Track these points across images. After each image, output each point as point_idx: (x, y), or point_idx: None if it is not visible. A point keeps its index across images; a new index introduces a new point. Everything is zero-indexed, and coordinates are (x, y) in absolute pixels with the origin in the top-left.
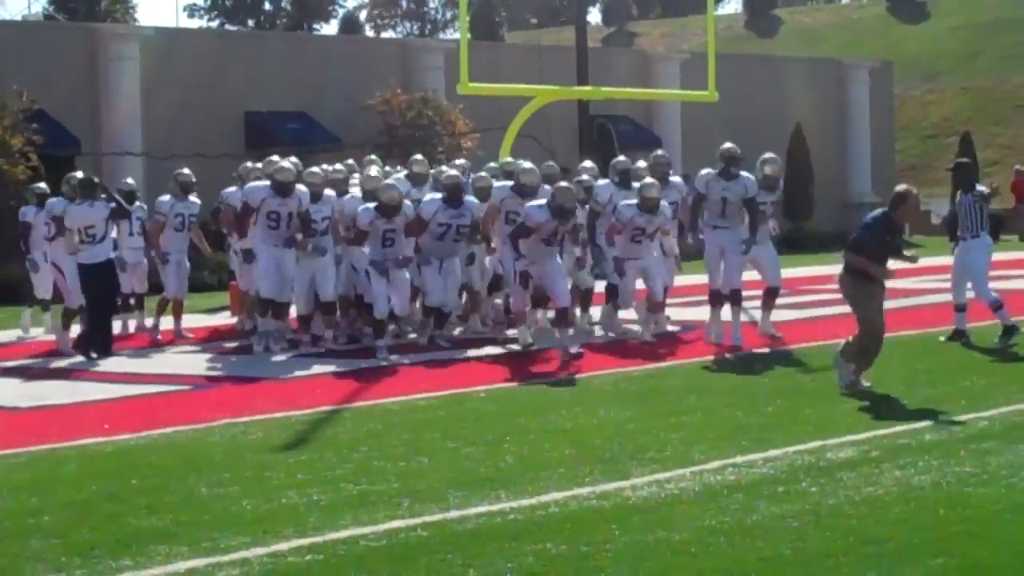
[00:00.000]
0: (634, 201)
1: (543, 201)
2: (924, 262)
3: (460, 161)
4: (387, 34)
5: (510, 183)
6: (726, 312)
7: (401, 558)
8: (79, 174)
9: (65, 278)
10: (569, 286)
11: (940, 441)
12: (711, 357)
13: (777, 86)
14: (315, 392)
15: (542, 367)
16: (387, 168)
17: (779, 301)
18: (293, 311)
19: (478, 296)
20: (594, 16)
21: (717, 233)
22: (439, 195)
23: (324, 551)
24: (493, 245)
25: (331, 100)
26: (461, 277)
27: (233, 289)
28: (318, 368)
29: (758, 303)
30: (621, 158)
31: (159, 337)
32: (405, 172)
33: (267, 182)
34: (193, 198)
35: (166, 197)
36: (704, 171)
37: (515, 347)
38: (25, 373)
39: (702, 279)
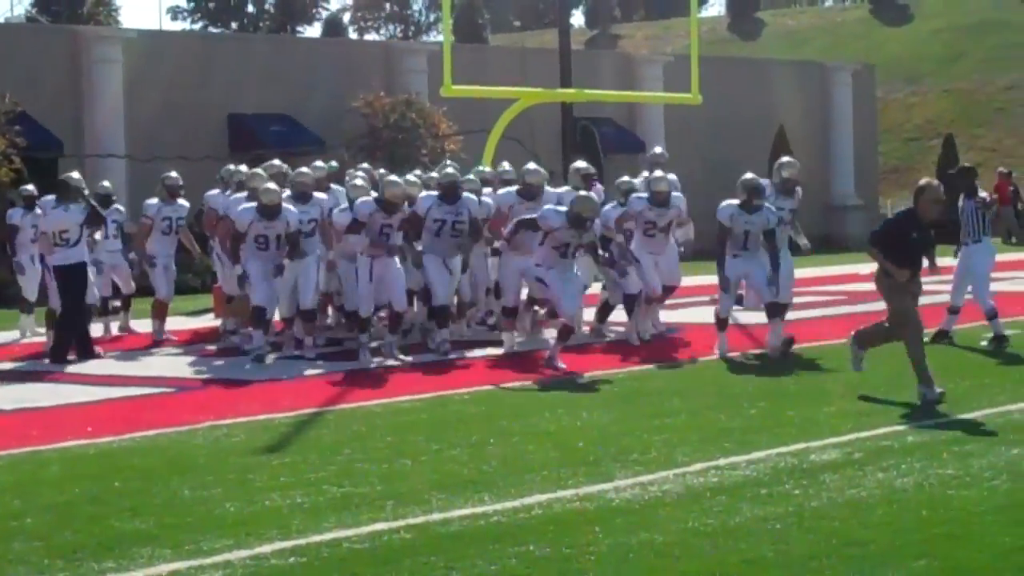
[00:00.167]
0: (645, 194)
1: (564, 208)
2: None
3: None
4: (370, 36)
5: (514, 188)
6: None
7: (384, 560)
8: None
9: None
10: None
11: (923, 443)
12: (694, 359)
13: (760, 89)
14: (298, 394)
15: (526, 370)
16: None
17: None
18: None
19: (465, 303)
20: (577, 19)
21: (738, 261)
22: (432, 193)
23: (307, 553)
24: (496, 246)
25: (315, 102)
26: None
27: (217, 291)
28: (301, 371)
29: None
30: (626, 177)
31: (163, 338)
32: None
33: (253, 204)
34: (181, 201)
35: (153, 200)
36: (725, 203)
37: (499, 350)
38: (7, 376)
39: (690, 281)
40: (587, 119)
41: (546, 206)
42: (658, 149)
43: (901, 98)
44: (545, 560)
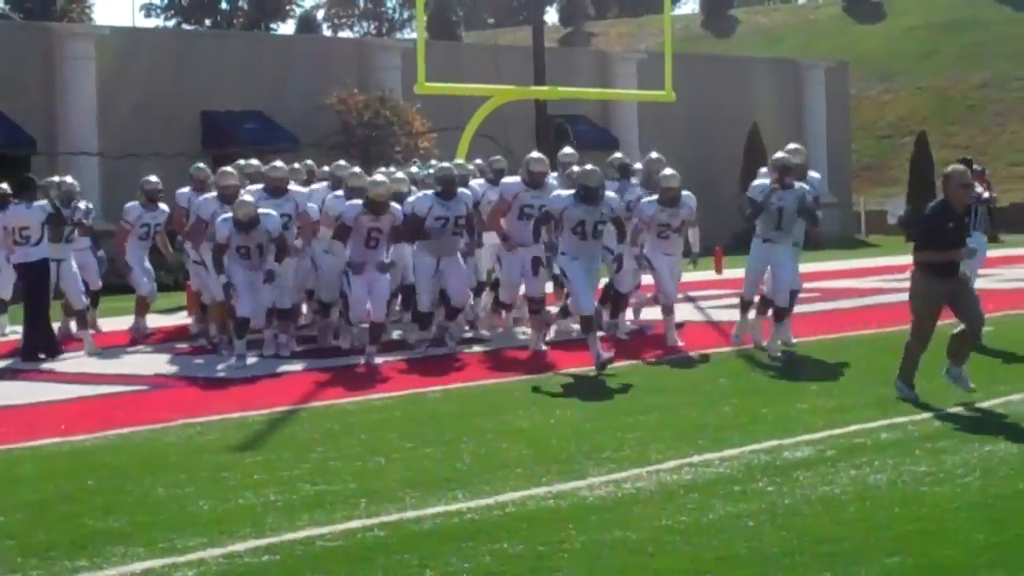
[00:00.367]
0: (654, 197)
1: (570, 192)
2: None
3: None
4: (344, 33)
5: (518, 178)
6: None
7: (358, 558)
8: (68, 179)
9: None
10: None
11: (896, 440)
12: (667, 356)
13: (734, 86)
14: (272, 392)
15: (501, 367)
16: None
17: (735, 302)
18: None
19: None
20: (551, 16)
21: (767, 247)
22: (428, 192)
23: (281, 551)
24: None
25: (288, 100)
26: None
27: (189, 289)
28: (274, 368)
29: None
30: (618, 155)
31: (148, 334)
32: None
33: (230, 216)
34: (162, 206)
35: (134, 204)
36: (757, 181)
37: (479, 348)
38: None
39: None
40: (561, 116)
41: (553, 194)
42: (618, 154)
43: (874, 95)
44: (519, 558)
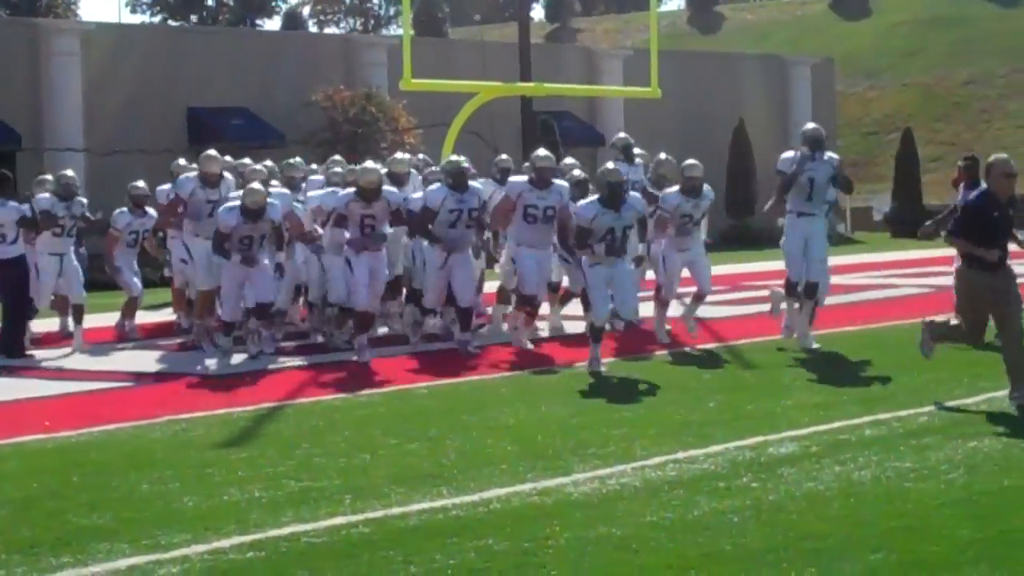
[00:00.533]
0: (676, 188)
1: (592, 198)
2: (866, 257)
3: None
4: (330, 30)
5: (524, 177)
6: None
7: (343, 555)
8: (68, 172)
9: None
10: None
11: (880, 437)
12: (653, 352)
13: (720, 82)
14: (257, 389)
15: (485, 363)
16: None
17: (719, 298)
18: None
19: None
20: (538, 12)
21: (802, 221)
22: (438, 184)
23: (266, 548)
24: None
25: (275, 96)
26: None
27: (175, 286)
28: (260, 365)
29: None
30: (622, 134)
31: (134, 335)
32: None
33: (237, 205)
34: (150, 211)
35: (123, 211)
36: (787, 153)
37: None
38: None
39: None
40: (547, 113)
41: (577, 204)
42: (622, 134)
43: (860, 92)
44: (504, 554)
